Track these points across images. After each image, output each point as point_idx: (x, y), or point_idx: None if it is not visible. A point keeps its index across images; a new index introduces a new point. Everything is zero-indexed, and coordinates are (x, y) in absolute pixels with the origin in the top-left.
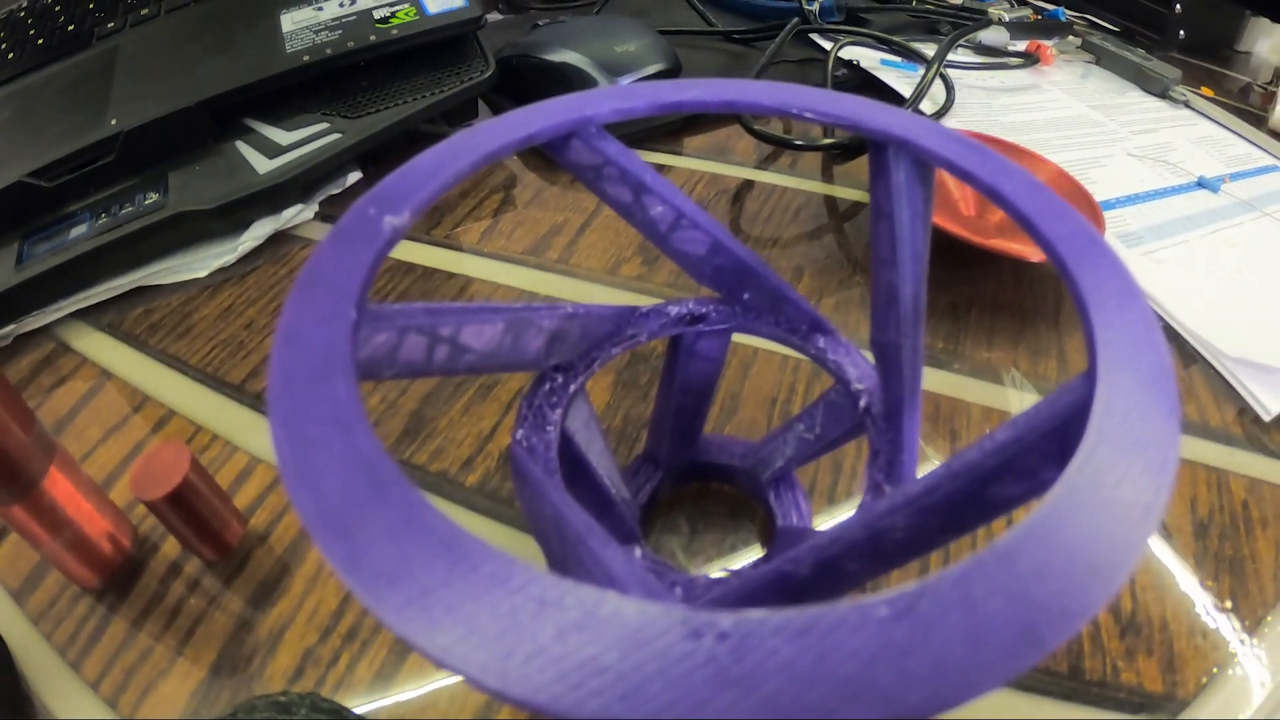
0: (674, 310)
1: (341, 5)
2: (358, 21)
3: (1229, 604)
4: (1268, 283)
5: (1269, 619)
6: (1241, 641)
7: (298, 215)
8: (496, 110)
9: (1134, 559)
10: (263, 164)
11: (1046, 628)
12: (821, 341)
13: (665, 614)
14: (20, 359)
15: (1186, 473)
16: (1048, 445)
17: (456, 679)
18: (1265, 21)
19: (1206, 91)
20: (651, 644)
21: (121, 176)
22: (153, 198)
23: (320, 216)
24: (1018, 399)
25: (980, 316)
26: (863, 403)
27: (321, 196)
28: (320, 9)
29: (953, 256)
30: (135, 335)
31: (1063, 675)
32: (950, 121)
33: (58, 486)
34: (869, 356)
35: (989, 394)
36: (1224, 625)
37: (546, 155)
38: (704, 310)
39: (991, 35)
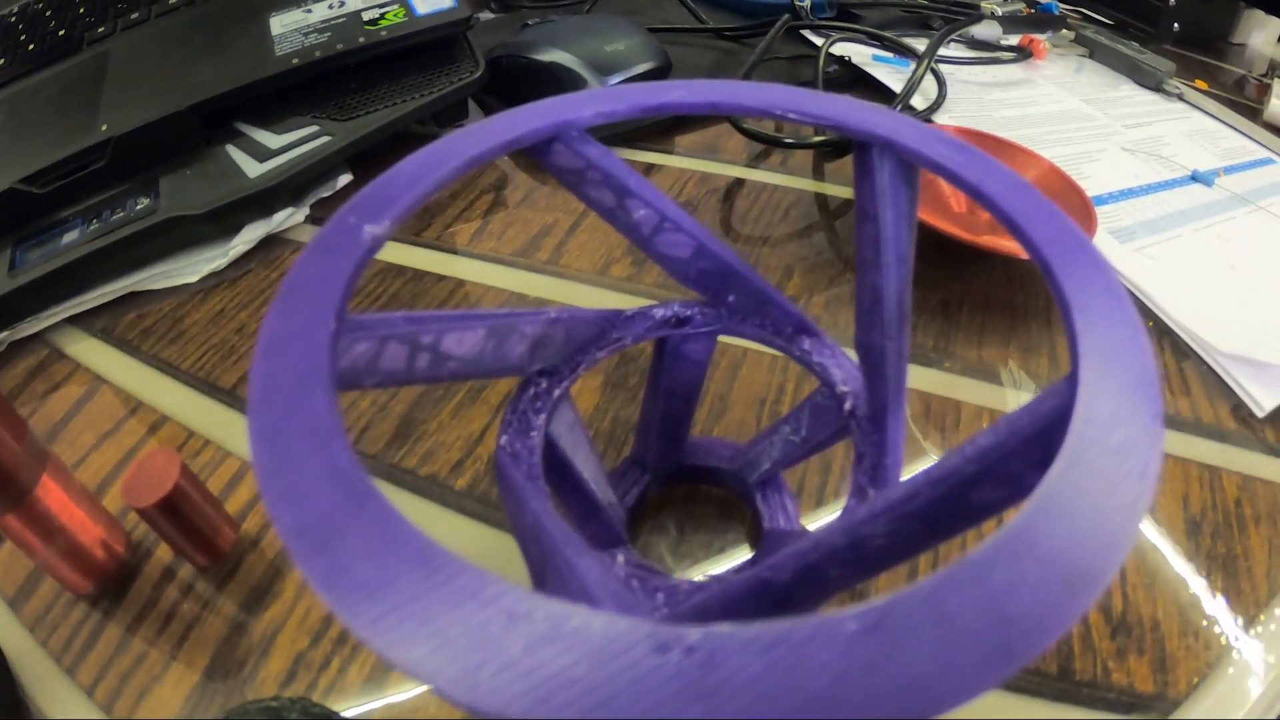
0: (659, 313)
1: (330, 7)
2: (346, 24)
3: (1221, 603)
4: (1261, 278)
5: (1261, 618)
6: (1234, 641)
7: (289, 218)
8: (487, 110)
9: (1112, 570)
10: (253, 168)
11: (1019, 642)
12: (807, 343)
13: (633, 627)
14: (14, 365)
15: (1179, 470)
16: (1029, 451)
17: None
18: (1260, 14)
19: (1200, 84)
20: (620, 657)
21: (113, 182)
22: (144, 203)
23: (311, 219)
24: (1009, 397)
25: (971, 314)
26: (848, 405)
27: (312, 199)
28: (309, 11)
29: (943, 254)
30: (128, 340)
31: (1052, 676)
32: (942, 117)
33: (50, 494)
34: (855, 357)
35: (980, 392)
36: (1216, 625)
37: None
38: (689, 313)
39: (984, 29)
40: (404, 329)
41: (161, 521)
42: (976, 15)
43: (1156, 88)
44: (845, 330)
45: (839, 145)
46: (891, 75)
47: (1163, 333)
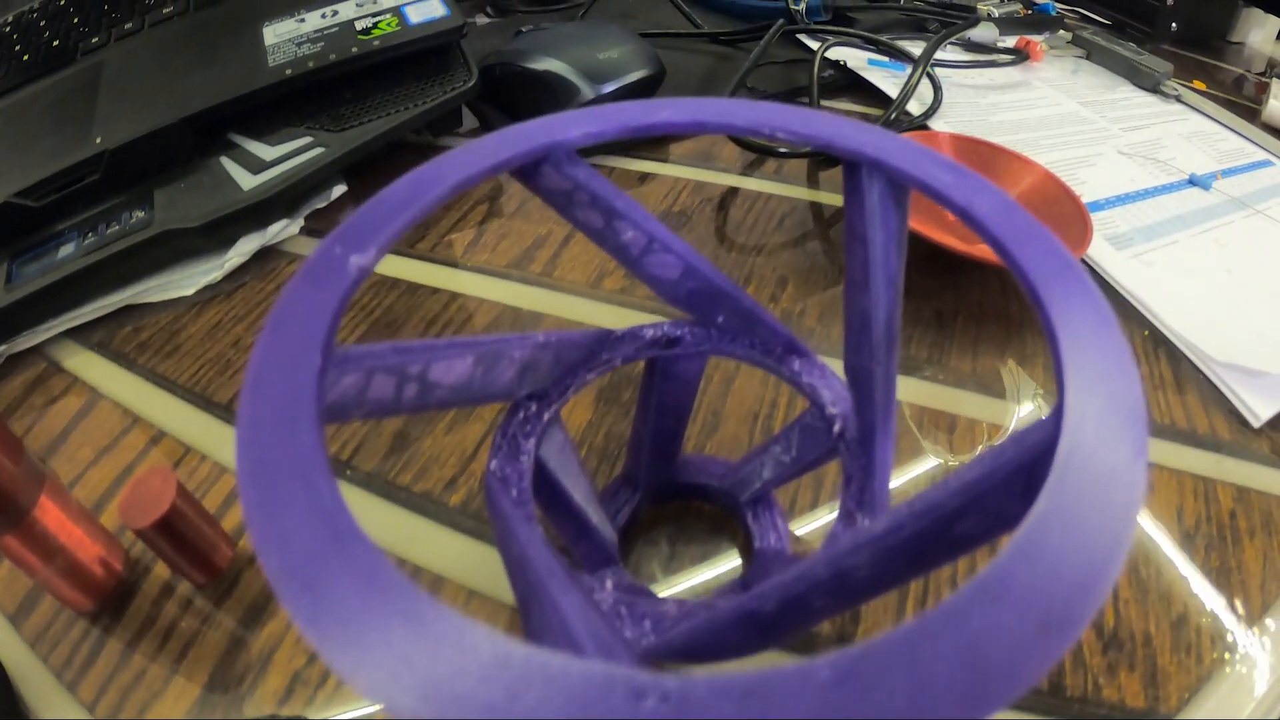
0: (649, 333)
1: (324, 16)
2: (340, 33)
3: (1214, 618)
4: (1258, 284)
5: (1255, 632)
6: (1226, 656)
7: (283, 230)
8: (481, 118)
9: (1090, 613)
10: (247, 180)
11: (994, 688)
12: (796, 364)
13: (610, 674)
14: (13, 378)
15: (1173, 482)
16: (1013, 485)
17: None
18: (1258, 12)
19: (1199, 85)
20: (597, 704)
21: (108, 194)
22: (139, 216)
23: (306, 231)
24: (1005, 406)
25: (966, 325)
26: (837, 427)
27: (307, 211)
28: (302, 20)
29: (938, 263)
30: (124, 354)
31: (1043, 692)
32: (938, 122)
33: (49, 515)
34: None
35: (975, 404)
36: (1208, 639)
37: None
38: (678, 333)
39: (980, 32)
40: (391, 360)
41: (159, 541)
42: (973, 19)
43: (1154, 89)
44: (839, 343)
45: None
46: (887, 79)
47: (1159, 341)
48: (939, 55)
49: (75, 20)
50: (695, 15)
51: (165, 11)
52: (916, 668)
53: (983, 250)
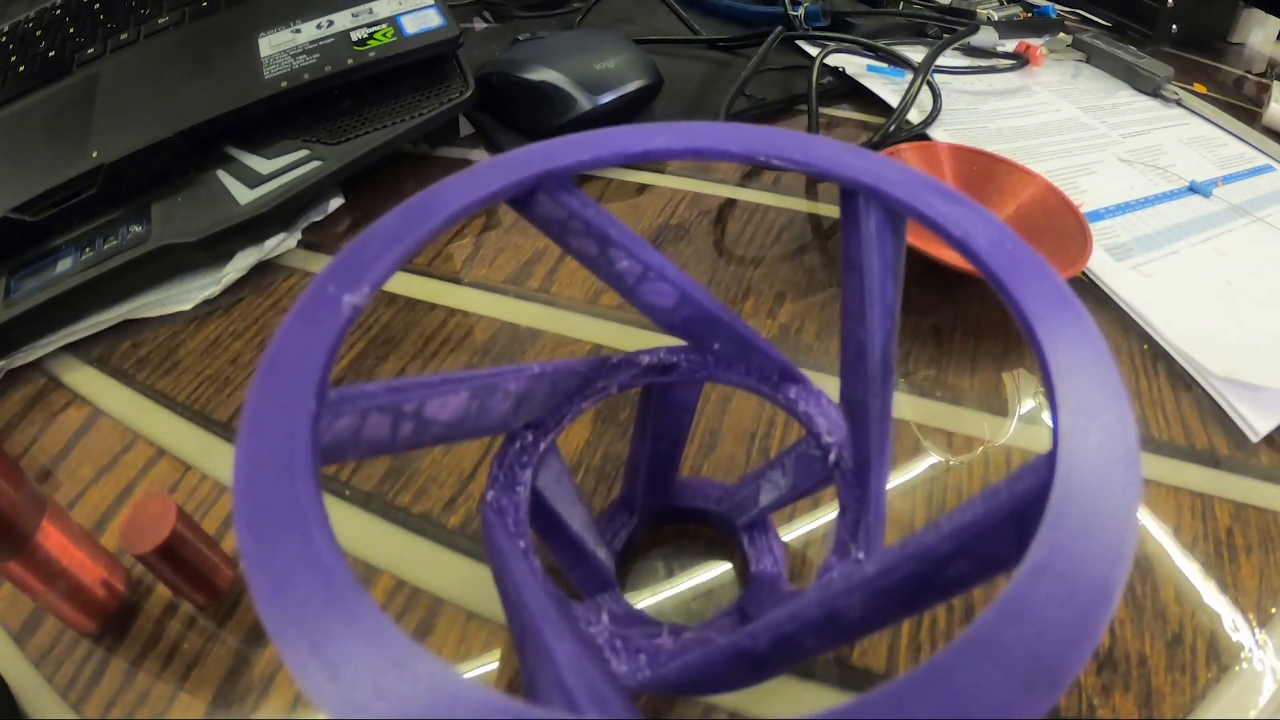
0: (644, 360)
1: (319, 27)
2: (335, 44)
3: (1209, 637)
4: (1257, 295)
5: (1248, 653)
6: (1221, 676)
7: (280, 244)
8: (479, 127)
9: (1077, 669)
10: (244, 194)
11: None
12: (793, 391)
13: None
14: (13, 394)
15: (1170, 499)
16: (1005, 530)
17: None
18: (1258, 12)
19: (1199, 87)
20: None
21: (104, 209)
22: (135, 230)
23: (303, 244)
24: (1002, 427)
25: (964, 340)
26: (832, 457)
27: (304, 224)
28: (298, 31)
29: (936, 277)
30: (123, 370)
31: None
32: (937, 130)
33: (50, 539)
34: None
35: (973, 421)
36: (1204, 659)
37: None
38: (674, 360)
39: (980, 36)
40: (385, 399)
41: (160, 566)
42: (972, 25)
43: (1155, 93)
44: (837, 359)
45: None
46: (886, 87)
47: (1158, 355)
48: (938, 61)
49: (71, 30)
50: (693, 20)
51: (161, 22)
52: None
53: None
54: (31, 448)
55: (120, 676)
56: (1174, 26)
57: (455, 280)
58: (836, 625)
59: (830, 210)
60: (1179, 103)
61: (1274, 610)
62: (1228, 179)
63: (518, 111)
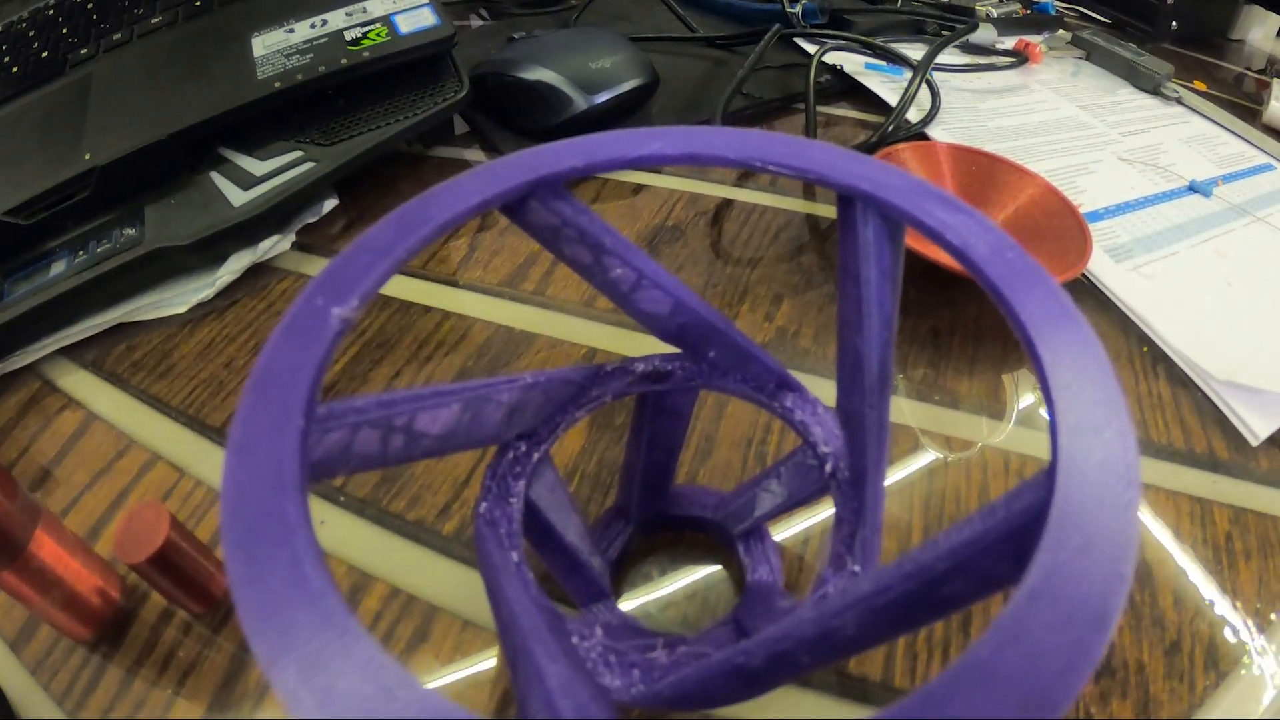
0: (639, 368)
1: (313, 27)
2: (329, 44)
3: (1208, 644)
4: (1258, 296)
5: (1247, 660)
6: (1220, 683)
7: (275, 246)
8: (474, 127)
9: (1073, 695)
10: (237, 196)
11: None
12: (789, 400)
13: None
14: (8, 398)
15: (1169, 504)
16: (1003, 549)
17: None
18: (1259, 9)
19: (1199, 85)
20: None
21: (98, 212)
22: (129, 233)
23: (298, 246)
24: (1001, 432)
25: (963, 343)
26: (828, 467)
27: (298, 226)
28: (291, 31)
29: (934, 279)
30: (118, 374)
31: None
32: (936, 129)
33: (44, 549)
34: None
35: (971, 426)
36: (1201, 667)
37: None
38: (669, 368)
39: (979, 33)
40: (375, 414)
41: (154, 575)
42: (972, 23)
43: (1155, 91)
44: (835, 363)
45: None
46: (885, 85)
47: (1158, 358)
48: (937, 59)
49: (64, 31)
50: (690, 18)
51: (154, 22)
52: None
53: None
54: (26, 453)
55: (116, 684)
56: (1174, 23)
57: (451, 283)
58: (831, 643)
59: (829, 210)
60: (1179, 100)
61: (1273, 616)
62: (1228, 178)
63: (513, 111)
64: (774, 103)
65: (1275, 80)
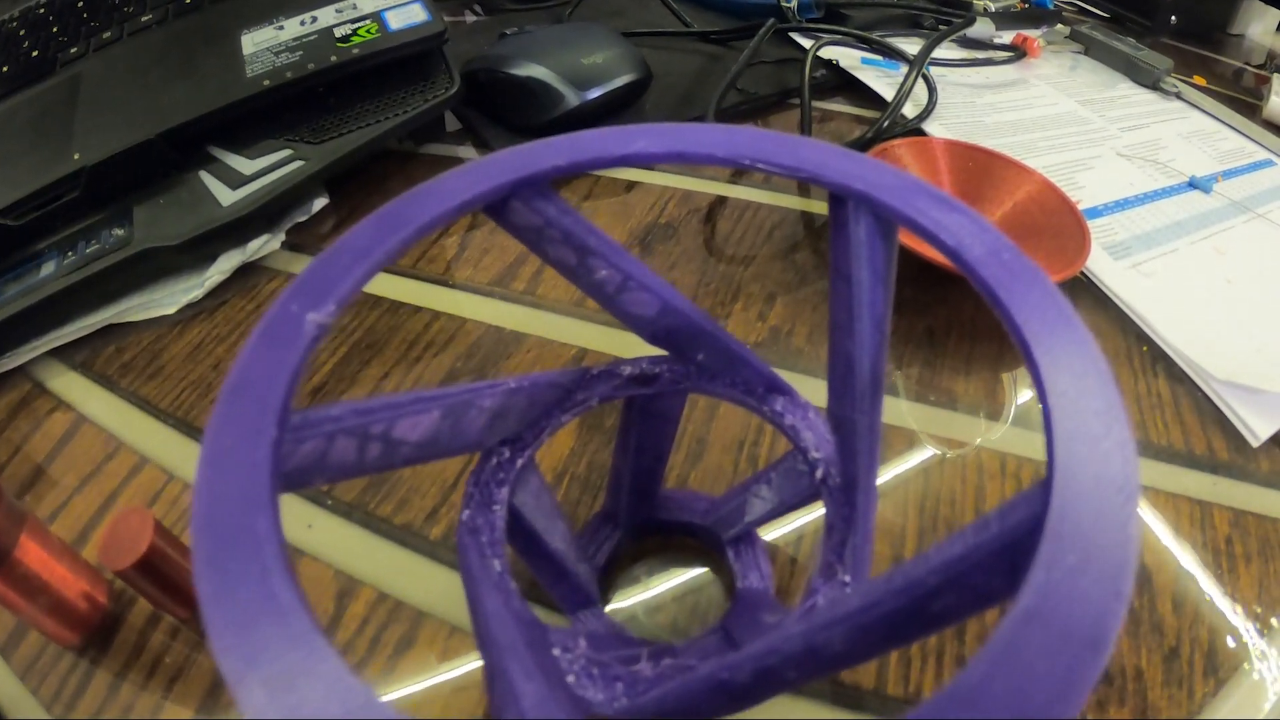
0: (626, 371)
1: (303, 24)
2: (318, 41)
3: (1207, 651)
4: (1258, 295)
5: (1246, 666)
6: (1219, 690)
7: (264, 246)
8: (466, 123)
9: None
10: (226, 195)
11: None
12: (779, 404)
13: None
14: None
15: (1169, 506)
16: (997, 564)
17: None
18: (1258, 4)
19: (1199, 80)
20: None
21: (87, 212)
22: (118, 234)
23: (287, 245)
24: (997, 433)
25: (959, 342)
26: (819, 473)
27: (288, 225)
28: (281, 28)
29: (930, 277)
30: (107, 376)
31: None
32: (932, 124)
33: (30, 554)
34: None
35: (967, 427)
36: (1200, 674)
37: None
38: (656, 370)
39: (976, 28)
40: (352, 422)
41: (140, 581)
42: (969, 17)
43: (1154, 86)
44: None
45: None
46: (881, 79)
47: (1157, 357)
48: (934, 54)
49: (55, 30)
50: (685, 13)
51: (144, 20)
52: None
53: None
54: (16, 455)
55: (104, 689)
56: (1173, 18)
57: (441, 282)
58: (818, 659)
59: (824, 207)
60: (1178, 96)
61: (1274, 621)
62: (1228, 174)
63: (505, 107)
64: (769, 98)
65: (1275, 75)
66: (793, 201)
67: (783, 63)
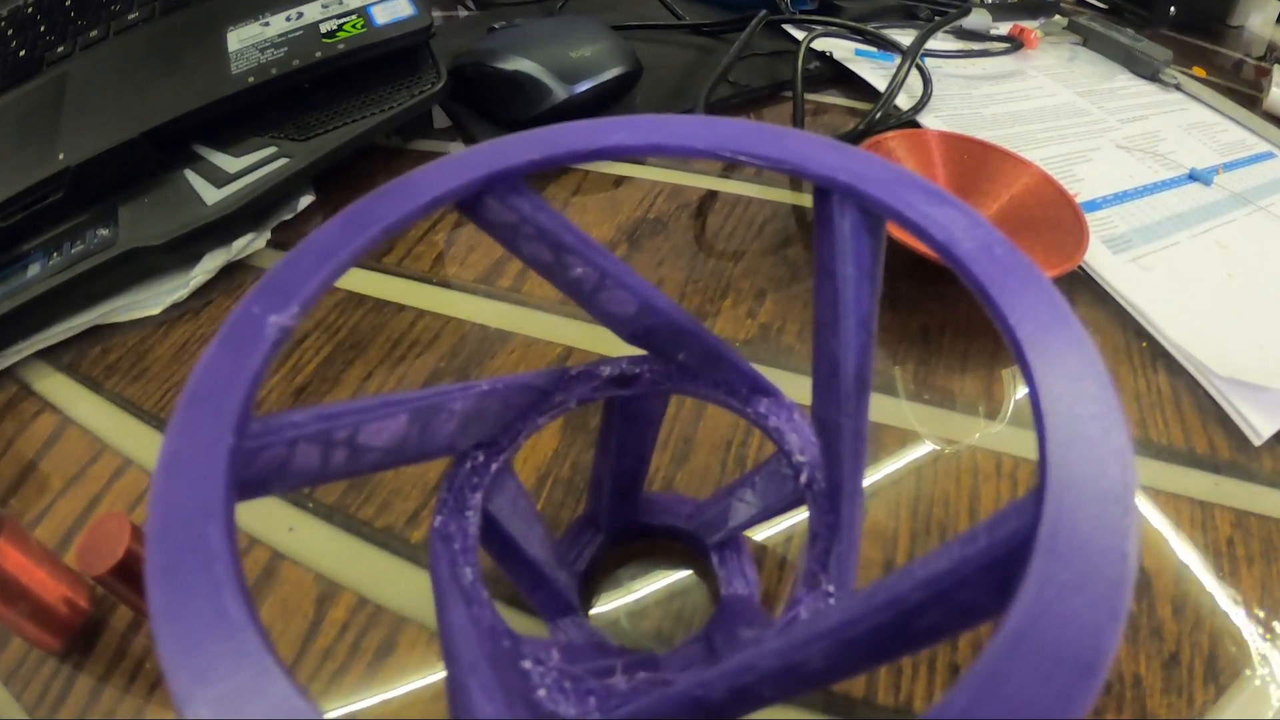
0: (605, 371)
1: (288, 19)
2: (304, 36)
3: (1207, 657)
4: (1260, 289)
5: (1247, 673)
6: (1219, 698)
7: (249, 245)
8: (454, 118)
9: None
10: (211, 194)
11: None
12: (763, 405)
13: None
14: None
15: (1170, 508)
16: (985, 579)
17: None
18: None
19: (1199, 71)
20: None
21: (72, 212)
22: (103, 234)
23: (273, 244)
24: (993, 433)
25: (954, 340)
26: (803, 477)
27: (274, 223)
28: (266, 24)
29: (924, 272)
30: (93, 377)
31: None
32: (927, 117)
33: (9, 560)
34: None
35: (962, 426)
36: (1200, 681)
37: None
38: (637, 371)
39: (972, 18)
40: (314, 428)
41: (117, 586)
42: (965, 7)
43: (1153, 77)
44: None
45: None
46: (875, 71)
47: (1157, 354)
48: (929, 45)
49: (42, 29)
50: (676, 5)
51: (131, 18)
52: None
53: None
54: (2, 459)
55: (87, 693)
56: (1172, 9)
57: (425, 280)
58: (797, 676)
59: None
60: (1178, 87)
61: (1277, 626)
62: (1228, 166)
63: (493, 102)
64: (761, 91)
65: (1276, 67)
66: (784, 196)
67: (775, 55)
